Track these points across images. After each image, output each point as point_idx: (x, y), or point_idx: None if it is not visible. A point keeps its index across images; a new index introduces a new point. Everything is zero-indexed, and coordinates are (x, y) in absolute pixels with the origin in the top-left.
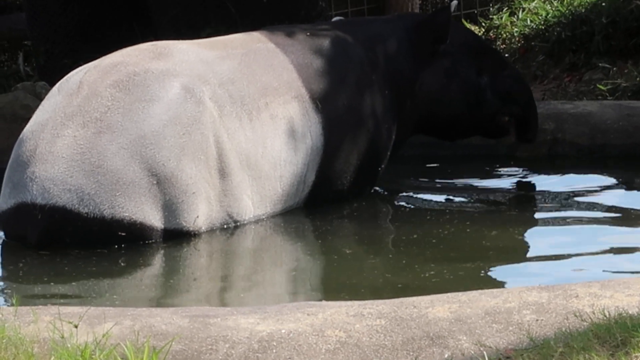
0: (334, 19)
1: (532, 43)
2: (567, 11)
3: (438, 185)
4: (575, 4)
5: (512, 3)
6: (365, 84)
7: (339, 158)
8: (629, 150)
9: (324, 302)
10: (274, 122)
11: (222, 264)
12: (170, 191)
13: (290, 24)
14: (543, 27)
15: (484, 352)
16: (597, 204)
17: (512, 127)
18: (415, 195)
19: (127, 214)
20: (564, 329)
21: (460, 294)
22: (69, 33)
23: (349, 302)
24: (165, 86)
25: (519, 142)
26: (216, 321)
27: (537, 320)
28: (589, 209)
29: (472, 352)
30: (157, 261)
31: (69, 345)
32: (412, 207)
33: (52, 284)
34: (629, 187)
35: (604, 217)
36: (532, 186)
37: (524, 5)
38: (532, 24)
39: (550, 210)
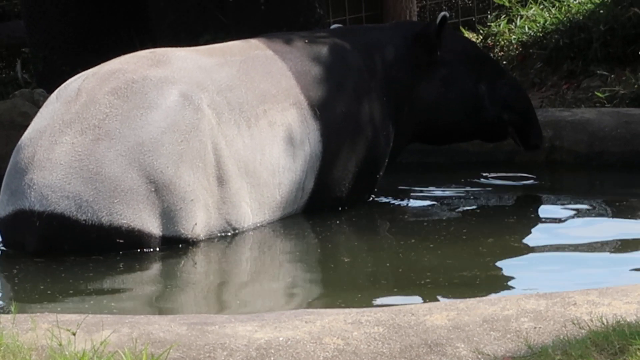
0: (333, 26)
1: (530, 50)
2: (565, 19)
3: (435, 192)
4: (573, 11)
5: (510, 10)
6: (363, 91)
7: (338, 165)
8: (627, 158)
9: (322, 310)
10: (272, 129)
11: (220, 271)
12: (169, 198)
13: (289, 31)
14: (541, 35)
15: None
16: (595, 211)
17: (514, 136)
18: (412, 202)
19: (125, 221)
20: (562, 337)
21: (458, 301)
22: (67, 40)
23: (347, 310)
24: (164, 93)
25: (526, 150)
26: (214, 329)
27: (535, 327)
28: (586, 217)
29: None
30: (155, 268)
31: (67, 353)
32: (410, 213)
33: (48, 291)
34: (627, 194)
35: (602, 225)
36: (529, 193)
37: (522, 13)
38: (530, 32)
39: (548, 218)
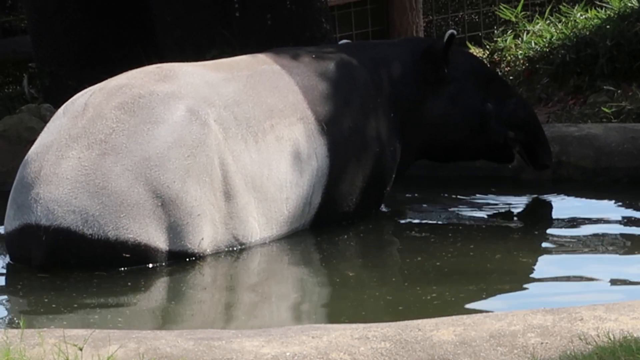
0: (341, 42)
1: (537, 66)
2: (571, 34)
3: (442, 208)
4: (579, 26)
5: (517, 26)
6: (370, 107)
7: (345, 180)
8: (634, 173)
9: (328, 325)
10: (279, 144)
11: (227, 286)
12: (175, 213)
13: (295, 46)
14: (547, 50)
15: None
16: (602, 227)
17: (523, 155)
18: (419, 217)
19: (131, 236)
20: (568, 352)
21: (464, 316)
22: (74, 55)
23: (354, 325)
24: (170, 108)
25: (534, 170)
26: (221, 344)
27: (542, 343)
28: (593, 232)
29: None
30: (162, 283)
31: None
32: (416, 229)
33: (53, 305)
34: (634, 209)
35: (609, 240)
36: (536, 209)
37: (528, 28)
38: (537, 47)
39: (554, 233)
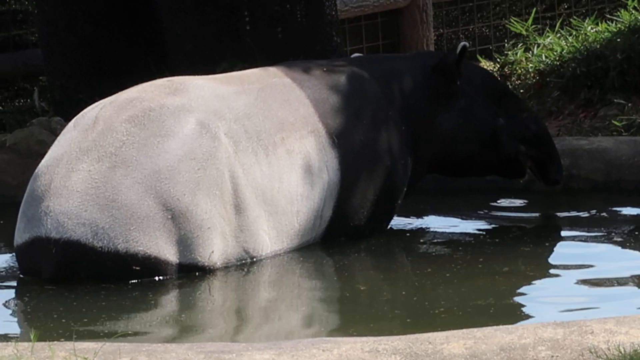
0: (353, 55)
1: (547, 79)
2: (582, 47)
3: (452, 219)
4: (590, 40)
5: (527, 39)
6: (381, 120)
7: (356, 193)
8: None
9: (339, 338)
10: (290, 157)
11: (237, 299)
12: (185, 226)
13: (306, 59)
14: (558, 63)
15: None
16: (612, 240)
17: (534, 170)
18: (430, 230)
19: (141, 249)
20: None
21: (475, 330)
22: (85, 68)
23: (364, 338)
24: (181, 121)
25: (546, 185)
26: (231, 357)
27: (552, 356)
28: (603, 245)
29: None
30: (172, 296)
31: None
32: (427, 241)
33: (63, 319)
34: None
35: (619, 254)
36: (546, 222)
37: (539, 41)
38: (547, 60)
39: (565, 247)
